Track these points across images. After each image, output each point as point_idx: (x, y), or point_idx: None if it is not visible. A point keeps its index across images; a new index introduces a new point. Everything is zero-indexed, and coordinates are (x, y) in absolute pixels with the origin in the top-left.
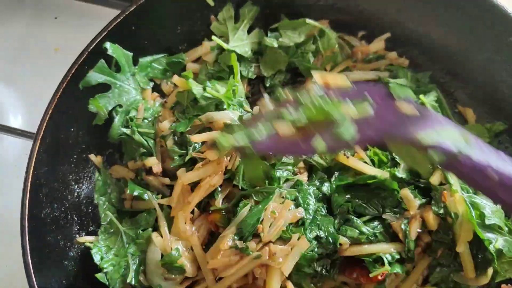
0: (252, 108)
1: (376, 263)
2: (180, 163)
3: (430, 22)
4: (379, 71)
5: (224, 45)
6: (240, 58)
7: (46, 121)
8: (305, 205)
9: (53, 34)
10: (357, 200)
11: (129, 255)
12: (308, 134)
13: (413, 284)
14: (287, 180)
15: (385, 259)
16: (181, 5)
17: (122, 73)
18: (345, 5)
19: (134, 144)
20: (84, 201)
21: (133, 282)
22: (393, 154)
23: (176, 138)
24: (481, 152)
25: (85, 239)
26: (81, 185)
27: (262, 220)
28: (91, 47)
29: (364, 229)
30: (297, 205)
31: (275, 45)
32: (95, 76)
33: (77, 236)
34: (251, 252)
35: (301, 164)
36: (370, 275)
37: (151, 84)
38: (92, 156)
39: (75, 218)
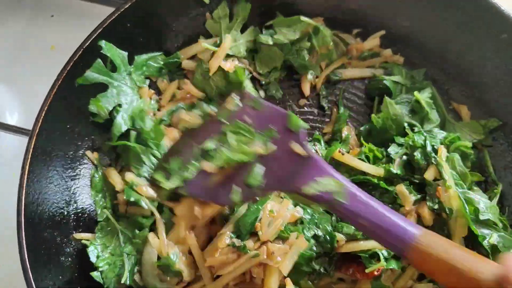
0: None
1: (372, 258)
2: None
3: (425, 20)
4: (374, 68)
5: (215, 49)
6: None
7: (41, 117)
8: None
9: (49, 32)
10: None
11: (124, 254)
12: (227, 177)
13: (408, 279)
14: None
15: (381, 255)
16: (176, 2)
17: (118, 73)
18: (340, 3)
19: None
20: (81, 198)
21: (127, 282)
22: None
23: None
24: (353, 200)
25: (82, 236)
26: (77, 181)
27: (261, 219)
28: (86, 44)
29: None
30: (295, 204)
31: (270, 42)
32: (92, 76)
33: (74, 232)
34: (249, 251)
35: None
36: (366, 271)
37: (147, 82)
38: (88, 153)
39: (72, 214)
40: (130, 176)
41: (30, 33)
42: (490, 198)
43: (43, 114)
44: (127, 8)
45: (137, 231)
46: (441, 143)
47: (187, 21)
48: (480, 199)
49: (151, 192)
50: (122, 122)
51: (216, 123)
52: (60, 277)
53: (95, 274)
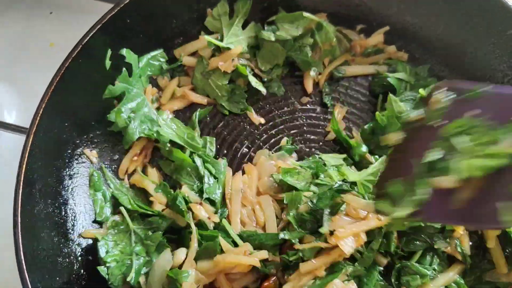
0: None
1: None
2: None
3: (429, 15)
4: (377, 65)
5: (220, 44)
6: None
7: (39, 115)
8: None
9: (48, 29)
10: (404, 238)
11: (134, 254)
12: (480, 191)
13: None
14: None
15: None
16: None
17: (133, 77)
18: None
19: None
20: (79, 197)
21: (132, 282)
22: None
23: None
24: None
25: (92, 233)
26: (75, 180)
27: None
28: (85, 41)
29: (423, 269)
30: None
31: (272, 38)
32: (119, 87)
33: (72, 232)
34: None
35: None
36: None
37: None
38: (87, 151)
39: (69, 214)
40: (186, 190)
41: (29, 30)
42: None
43: (40, 112)
44: (127, 4)
45: (150, 233)
46: None
47: (188, 17)
48: None
49: (203, 212)
50: (134, 131)
51: (427, 130)
52: (58, 278)
53: (101, 269)
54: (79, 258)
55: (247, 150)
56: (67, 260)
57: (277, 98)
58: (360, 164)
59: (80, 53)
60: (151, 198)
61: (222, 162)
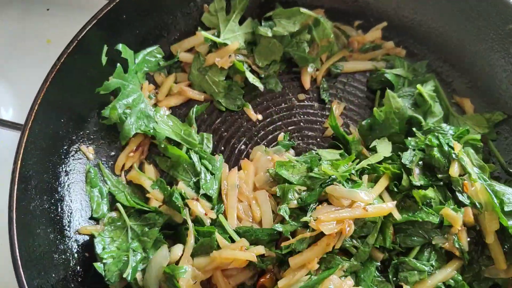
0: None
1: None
2: None
3: (427, 11)
4: (375, 61)
5: (216, 39)
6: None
7: (34, 111)
8: (363, 282)
9: (45, 26)
10: (401, 234)
11: (131, 250)
12: None
13: None
14: None
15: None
16: None
17: (128, 74)
18: None
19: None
20: (75, 193)
21: (128, 278)
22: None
23: None
24: None
25: (89, 229)
26: (71, 176)
27: None
28: (81, 36)
29: (421, 265)
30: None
31: (269, 34)
32: (114, 82)
33: (68, 229)
34: None
35: None
36: None
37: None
38: (83, 148)
39: (66, 210)
40: (182, 187)
41: (26, 27)
42: None
43: (36, 108)
44: None
45: (147, 229)
46: (453, 138)
47: (184, 13)
48: (504, 190)
49: (200, 208)
50: (131, 127)
51: None
52: (53, 275)
53: (98, 265)
54: (76, 254)
55: (245, 147)
56: (63, 256)
57: (275, 94)
58: (358, 160)
59: (76, 48)
60: (147, 195)
61: (219, 158)
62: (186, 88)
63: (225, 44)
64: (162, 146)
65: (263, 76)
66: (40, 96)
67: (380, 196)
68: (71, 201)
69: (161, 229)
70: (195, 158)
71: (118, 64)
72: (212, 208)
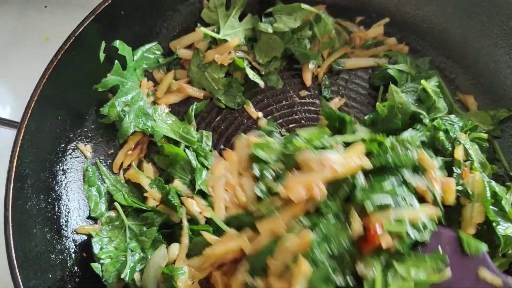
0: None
1: None
2: None
3: (430, 6)
4: (377, 58)
5: (216, 36)
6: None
7: (31, 108)
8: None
9: (43, 23)
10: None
11: (129, 250)
12: None
13: None
14: None
15: None
16: None
17: (127, 70)
18: None
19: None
20: (72, 192)
21: (126, 279)
22: None
23: None
24: None
25: (86, 228)
26: (68, 175)
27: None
28: (78, 32)
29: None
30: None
31: (270, 30)
32: (112, 79)
33: (65, 229)
34: None
35: None
36: None
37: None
38: (81, 146)
39: (63, 209)
40: (178, 184)
41: (23, 24)
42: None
43: (32, 104)
44: None
45: (145, 229)
46: (461, 131)
47: (183, 9)
48: (503, 191)
49: (195, 207)
50: (129, 125)
51: None
52: (50, 275)
53: (95, 266)
54: (73, 255)
55: None
56: (60, 257)
57: (276, 91)
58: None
59: (73, 44)
60: (145, 194)
61: (211, 154)
62: (185, 85)
63: (225, 41)
64: (159, 144)
65: (263, 73)
66: (37, 93)
67: None
68: (68, 200)
69: (159, 228)
70: (192, 155)
71: (116, 61)
72: (208, 206)
